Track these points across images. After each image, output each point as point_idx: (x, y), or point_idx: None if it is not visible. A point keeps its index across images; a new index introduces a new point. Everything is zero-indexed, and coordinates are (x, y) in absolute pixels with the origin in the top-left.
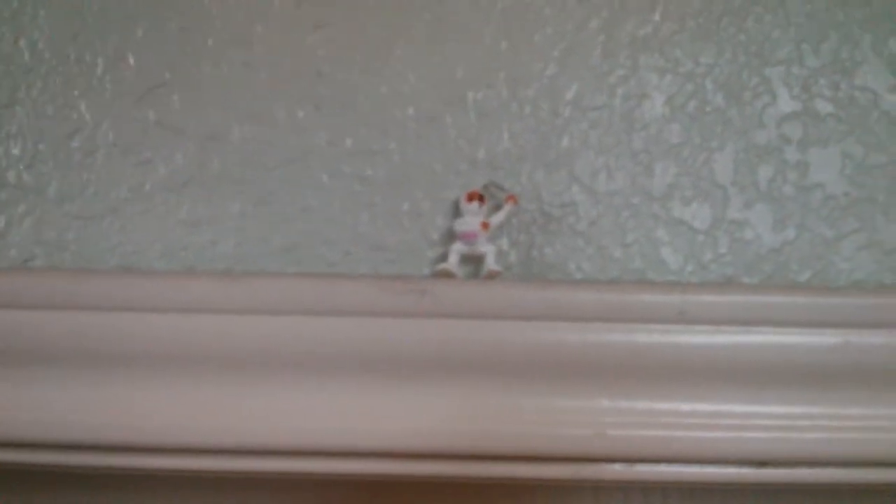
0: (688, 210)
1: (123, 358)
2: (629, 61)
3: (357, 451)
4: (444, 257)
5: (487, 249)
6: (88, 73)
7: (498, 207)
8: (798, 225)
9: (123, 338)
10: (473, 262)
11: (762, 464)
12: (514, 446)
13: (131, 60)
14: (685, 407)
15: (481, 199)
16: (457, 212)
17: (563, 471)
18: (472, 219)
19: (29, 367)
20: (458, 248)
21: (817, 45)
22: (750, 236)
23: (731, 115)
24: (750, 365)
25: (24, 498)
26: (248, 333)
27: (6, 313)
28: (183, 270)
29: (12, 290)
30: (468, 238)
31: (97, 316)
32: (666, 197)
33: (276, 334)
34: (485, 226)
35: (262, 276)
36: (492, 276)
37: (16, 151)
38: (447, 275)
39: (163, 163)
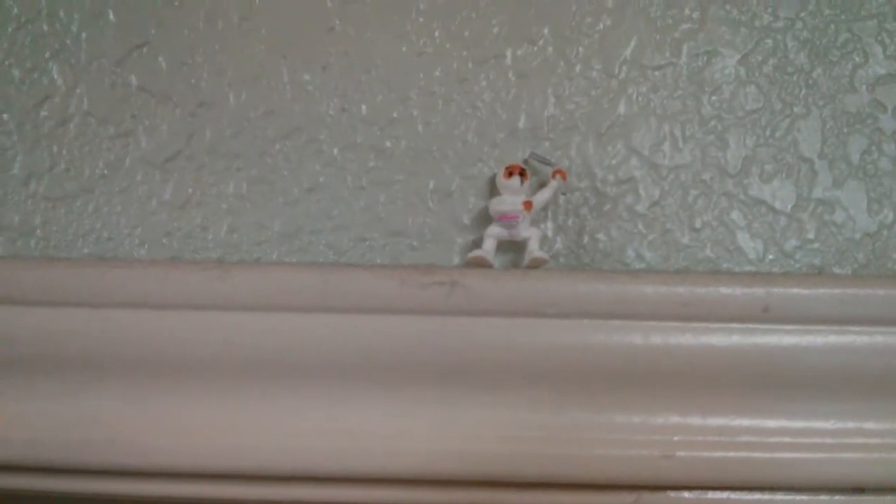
0: (768, 188)
1: (94, 362)
2: (697, 13)
3: (369, 476)
4: (477, 244)
5: (530, 234)
6: (62, 32)
7: (543, 184)
8: None
9: (96, 339)
10: (513, 249)
11: (859, 490)
12: (564, 471)
13: (111, 16)
14: (770, 424)
15: (523, 173)
16: (493, 190)
17: (622, 501)
18: (511, 197)
19: None
20: (494, 233)
21: None
22: (841, 219)
23: (816, 76)
24: (846, 372)
25: None
26: (243, 334)
27: None
28: (167, 260)
29: None
30: (507, 220)
31: (66, 313)
32: (742, 173)
33: (275, 335)
34: (527, 205)
35: (260, 267)
36: (535, 265)
37: None
38: (482, 264)
39: (145, 134)
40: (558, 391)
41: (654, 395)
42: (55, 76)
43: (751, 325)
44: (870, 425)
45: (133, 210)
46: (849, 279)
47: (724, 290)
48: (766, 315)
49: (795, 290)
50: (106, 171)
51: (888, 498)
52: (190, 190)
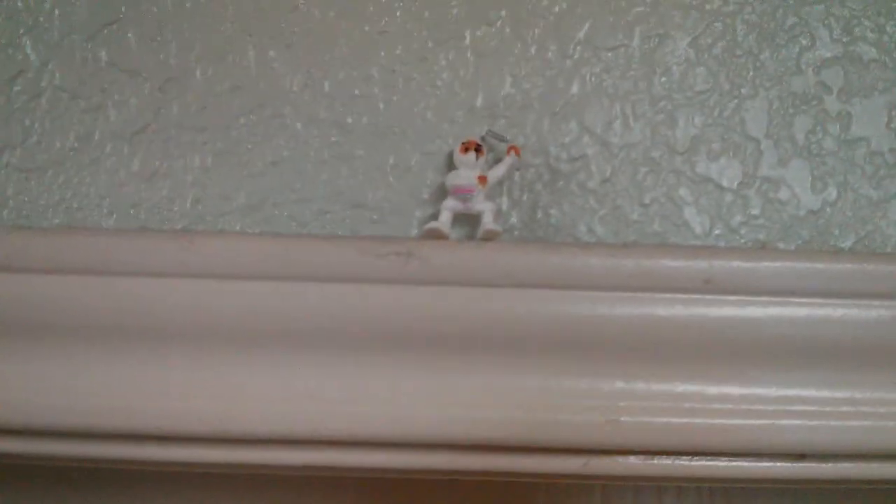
0: (715, 166)
1: (62, 328)
2: None
3: (324, 438)
4: (435, 217)
5: (485, 207)
6: (35, 8)
7: (498, 160)
8: (840, 184)
9: (65, 305)
10: (468, 222)
11: (800, 456)
12: (511, 435)
13: None
14: (711, 390)
15: (479, 149)
16: (451, 165)
17: (569, 465)
18: (467, 171)
19: None
20: (450, 206)
21: None
22: (785, 196)
23: (763, 59)
24: (786, 342)
25: None
26: (206, 301)
27: None
28: (135, 230)
29: None
30: (462, 193)
31: (36, 280)
32: (690, 151)
33: (236, 302)
34: (482, 180)
35: (224, 236)
36: (489, 237)
37: None
38: (437, 235)
39: (115, 108)
40: (509, 357)
41: (600, 362)
42: (28, 52)
43: (694, 296)
44: (810, 393)
45: (102, 181)
46: (789, 253)
47: (669, 263)
48: (708, 286)
49: (737, 263)
50: (76, 144)
51: (829, 465)
52: (157, 162)
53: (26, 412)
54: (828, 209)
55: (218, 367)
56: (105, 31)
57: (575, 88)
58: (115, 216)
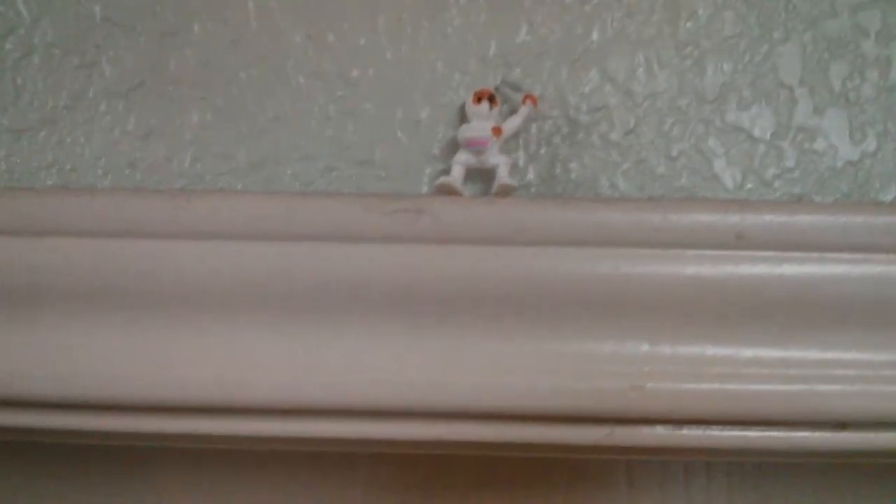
0: (746, 115)
1: (56, 293)
2: None
3: (327, 408)
4: (447, 174)
5: (500, 161)
6: None
7: (513, 112)
8: (880, 133)
9: (59, 269)
10: (482, 177)
11: (841, 425)
12: (529, 404)
13: None
14: (744, 354)
15: (492, 99)
16: (463, 119)
17: (591, 435)
18: (480, 123)
19: None
20: (463, 160)
21: None
22: (822, 147)
23: (796, 1)
24: (824, 301)
25: None
26: (203, 263)
27: None
28: (130, 190)
29: None
30: (475, 146)
31: (29, 243)
32: (720, 99)
33: (235, 263)
34: (496, 131)
35: (222, 195)
36: (505, 192)
37: None
38: (449, 191)
39: (110, 65)
40: (525, 320)
41: (623, 324)
42: (20, 8)
43: (724, 253)
44: (851, 355)
45: (96, 141)
46: (827, 207)
47: (697, 217)
48: (739, 242)
49: (770, 217)
50: (69, 102)
51: (871, 434)
52: (154, 120)
53: (18, 382)
54: (867, 160)
55: (218, 333)
56: None
57: (595, 35)
58: (110, 177)
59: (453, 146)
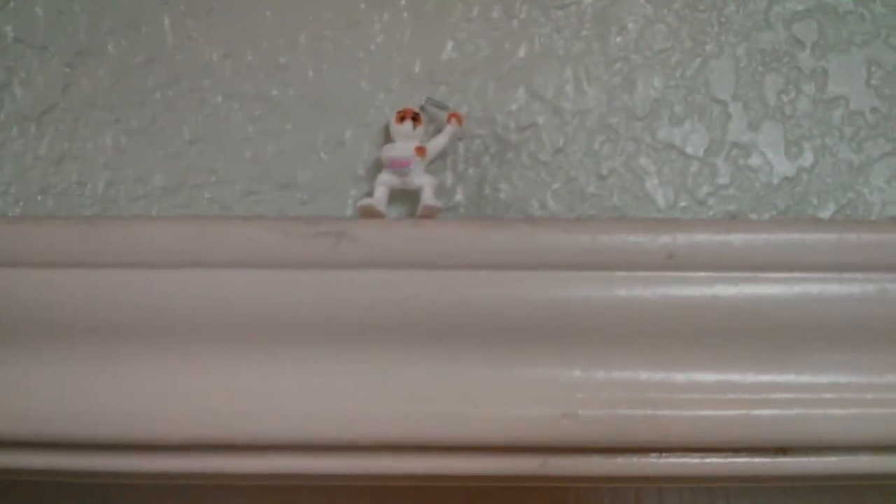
0: (678, 131)
1: None
2: None
3: (247, 443)
4: (369, 195)
5: (424, 181)
6: None
7: (439, 131)
8: (817, 148)
9: None
10: (407, 199)
11: (781, 450)
12: (456, 434)
13: None
14: (679, 378)
15: (416, 118)
16: (387, 138)
17: (524, 465)
18: (404, 143)
19: None
20: (386, 180)
21: None
22: (757, 163)
23: (729, 13)
24: (760, 322)
25: None
26: (119, 292)
27: None
28: (43, 217)
29: None
30: (399, 166)
31: None
32: (651, 116)
33: (152, 291)
34: (420, 151)
35: (131, 221)
36: (429, 213)
37: None
38: (371, 213)
39: (21, 87)
40: (453, 346)
41: (554, 349)
42: None
43: (656, 273)
44: (789, 378)
45: (7, 167)
46: (763, 224)
47: (627, 237)
48: (671, 262)
49: (703, 236)
50: None
51: (812, 459)
52: (66, 144)
53: None
54: (804, 176)
55: (124, 364)
56: (10, 4)
57: (522, 51)
58: (21, 204)
59: (379, 167)
